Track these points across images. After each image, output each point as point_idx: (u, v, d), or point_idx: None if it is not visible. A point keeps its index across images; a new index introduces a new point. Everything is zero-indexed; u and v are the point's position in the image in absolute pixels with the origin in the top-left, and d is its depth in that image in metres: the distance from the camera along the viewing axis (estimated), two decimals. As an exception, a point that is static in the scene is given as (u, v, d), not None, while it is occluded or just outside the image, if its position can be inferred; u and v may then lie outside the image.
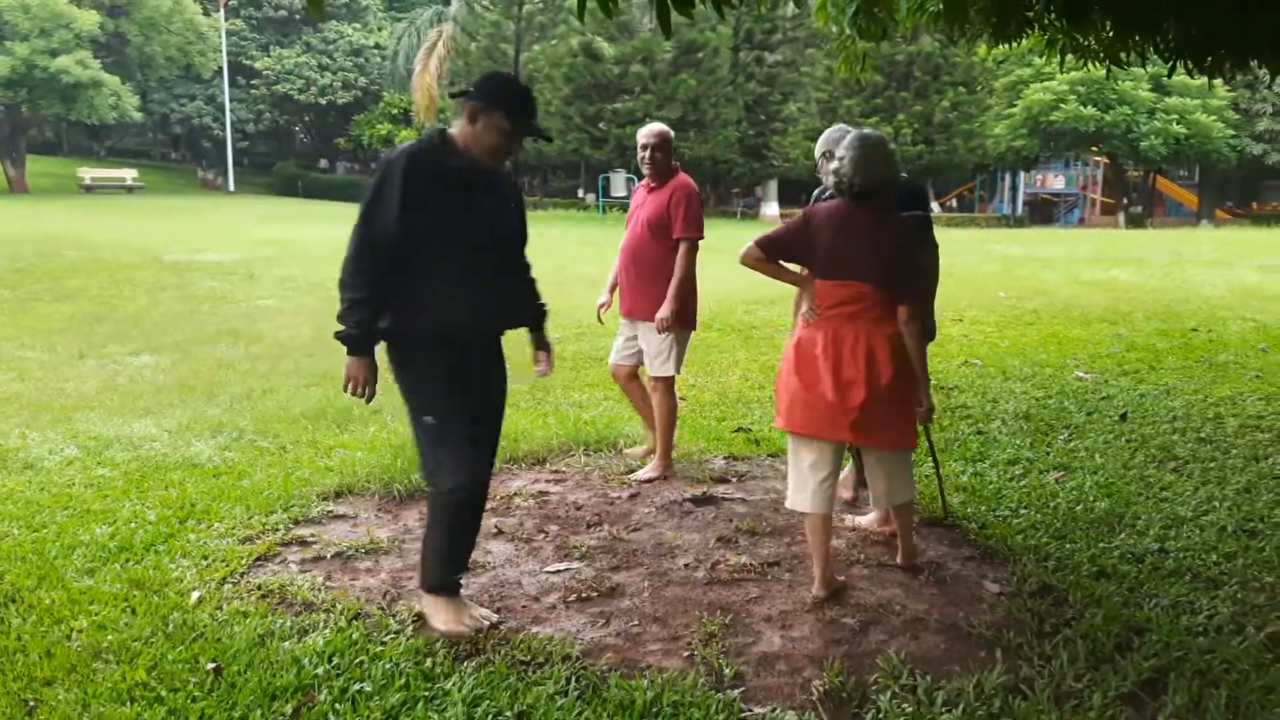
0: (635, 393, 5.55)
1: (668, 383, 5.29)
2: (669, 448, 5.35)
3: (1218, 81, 30.88)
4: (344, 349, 3.36)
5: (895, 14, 5.86)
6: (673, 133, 5.37)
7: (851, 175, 3.72)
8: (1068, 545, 4.32)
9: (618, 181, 35.48)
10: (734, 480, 5.25)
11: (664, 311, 5.09)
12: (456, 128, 3.39)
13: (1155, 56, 5.77)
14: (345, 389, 3.42)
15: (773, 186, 40.35)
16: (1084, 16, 5.11)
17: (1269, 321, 10.32)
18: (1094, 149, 36.88)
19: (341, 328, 3.31)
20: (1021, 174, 40.90)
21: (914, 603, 3.77)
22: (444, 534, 3.51)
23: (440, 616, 3.49)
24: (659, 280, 5.13)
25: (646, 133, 5.26)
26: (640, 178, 5.49)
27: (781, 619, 3.62)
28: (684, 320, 5.22)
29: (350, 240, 3.27)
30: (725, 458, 5.65)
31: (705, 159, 36.28)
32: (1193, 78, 5.99)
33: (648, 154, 5.22)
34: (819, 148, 4.39)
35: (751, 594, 3.83)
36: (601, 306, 5.62)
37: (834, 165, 3.82)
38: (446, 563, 3.54)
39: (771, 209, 40.08)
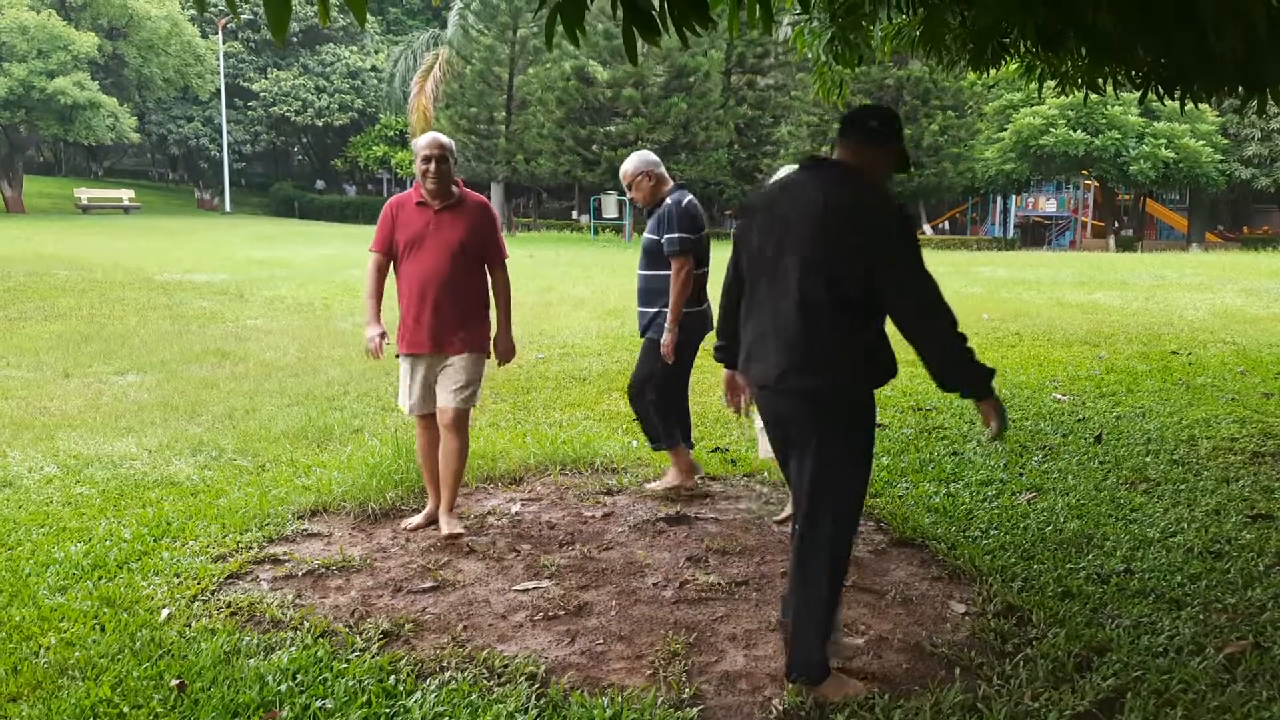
0: (435, 447, 4.79)
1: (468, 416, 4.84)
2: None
3: (1205, 106, 31.17)
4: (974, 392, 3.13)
5: (870, 41, 5.96)
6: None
7: None
8: (1035, 566, 4.35)
9: (609, 203, 35.64)
10: (708, 500, 5.28)
11: (507, 345, 4.87)
12: (860, 161, 3.16)
13: (1127, 84, 5.85)
14: (1001, 434, 3.16)
15: (765, 209, 40.51)
16: (1058, 44, 5.19)
17: (1248, 345, 10.38)
18: (1084, 172, 37.10)
19: (979, 370, 3.07)
20: (1013, 197, 41.12)
21: (878, 622, 3.80)
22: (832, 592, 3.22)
23: (839, 691, 3.20)
24: (479, 309, 4.73)
25: (430, 143, 4.58)
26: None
27: (746, 638, 3.66)
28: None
29: (931, 291, 3.01)
30: (700, 477, 5.68)
31: (697, 181, 36.41)
32: (1164, 104, 6.09)
33: (433, 166, 4.54)
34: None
35: (718, 613, 3.86)
36: (382, 339, 4.75)
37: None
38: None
39: (764, 231, 40.18)
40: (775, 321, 3.14)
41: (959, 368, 3.07)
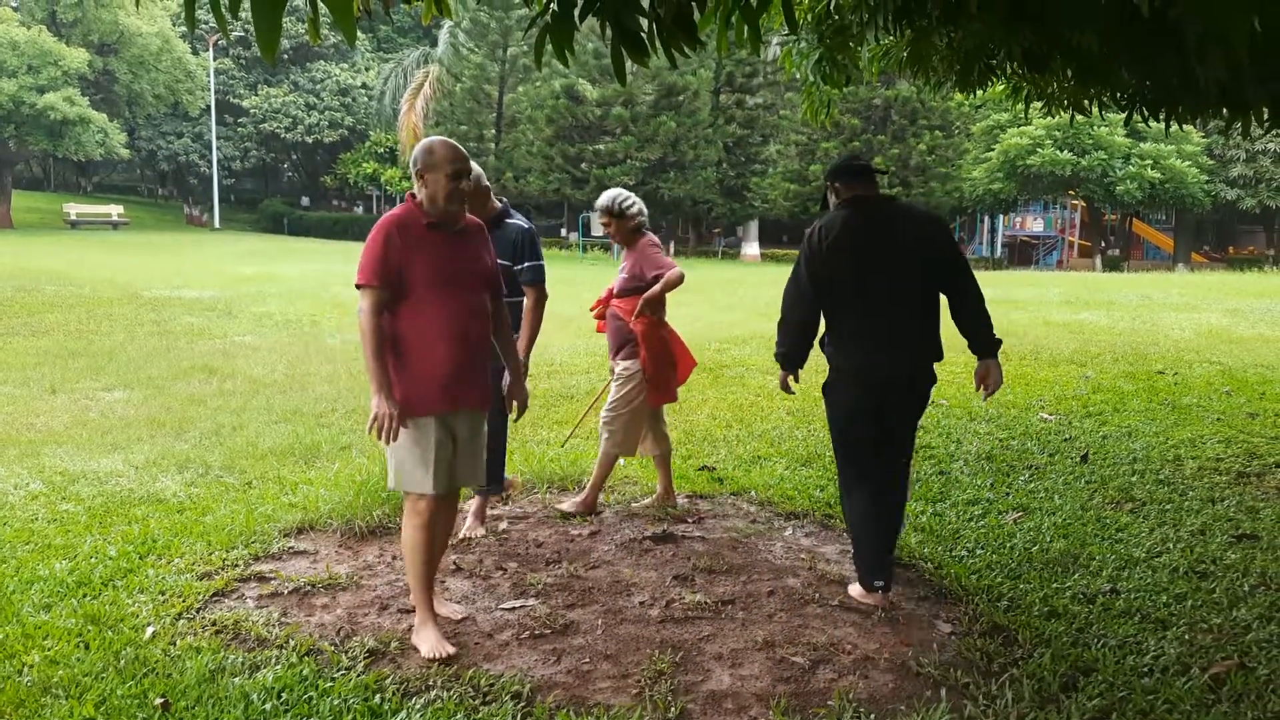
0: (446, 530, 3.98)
1: None
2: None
3: (1190, 128, 31.40)
4: None
5: (858, 61, 6.00)
6: None
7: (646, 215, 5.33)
8: (1021, 585, 4.36)
9: (597, 220, 35.70)
10: (692, 520, 5.28)
11: (525, 392, 4.15)
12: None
13: (1113, 105, 5.91)
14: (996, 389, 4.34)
15: (753, 227, 40.67)
16: (1044, 66, 5.25)
17: (1234, 365, 10.44)
18: (1071, 192, 37.31)
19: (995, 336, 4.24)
20: (1000, 216, 41.34)
21: (865, 641, 3.80)
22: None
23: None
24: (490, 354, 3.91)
25: (463, 155, 3.74)
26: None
27: (732, 657, 3.65)
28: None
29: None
30: (688, 496, 5.69)
31: (685, 199, 36.56)
32: (1149, 125, 6.15)
33: (464, 184, 3.71)
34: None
35: (704, 632, 3.86)
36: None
37: (636, 209, 5.19)
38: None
39: (752, 249, 40.34)
40: (906, 327, 4.14)
41: (992, 331, 4.21)
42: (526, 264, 4.84)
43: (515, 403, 4.09)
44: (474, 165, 4.49)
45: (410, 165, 3.74)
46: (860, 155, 4.20)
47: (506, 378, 4.16)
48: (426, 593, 3.73)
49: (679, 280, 5.13)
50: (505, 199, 5.05)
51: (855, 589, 4.22)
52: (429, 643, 3.62)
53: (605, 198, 5.23)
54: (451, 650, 3.60)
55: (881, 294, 4.10)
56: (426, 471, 3.64)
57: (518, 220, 4.93)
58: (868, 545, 4.16)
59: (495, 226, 4.70)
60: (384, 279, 3.58)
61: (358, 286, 3.61)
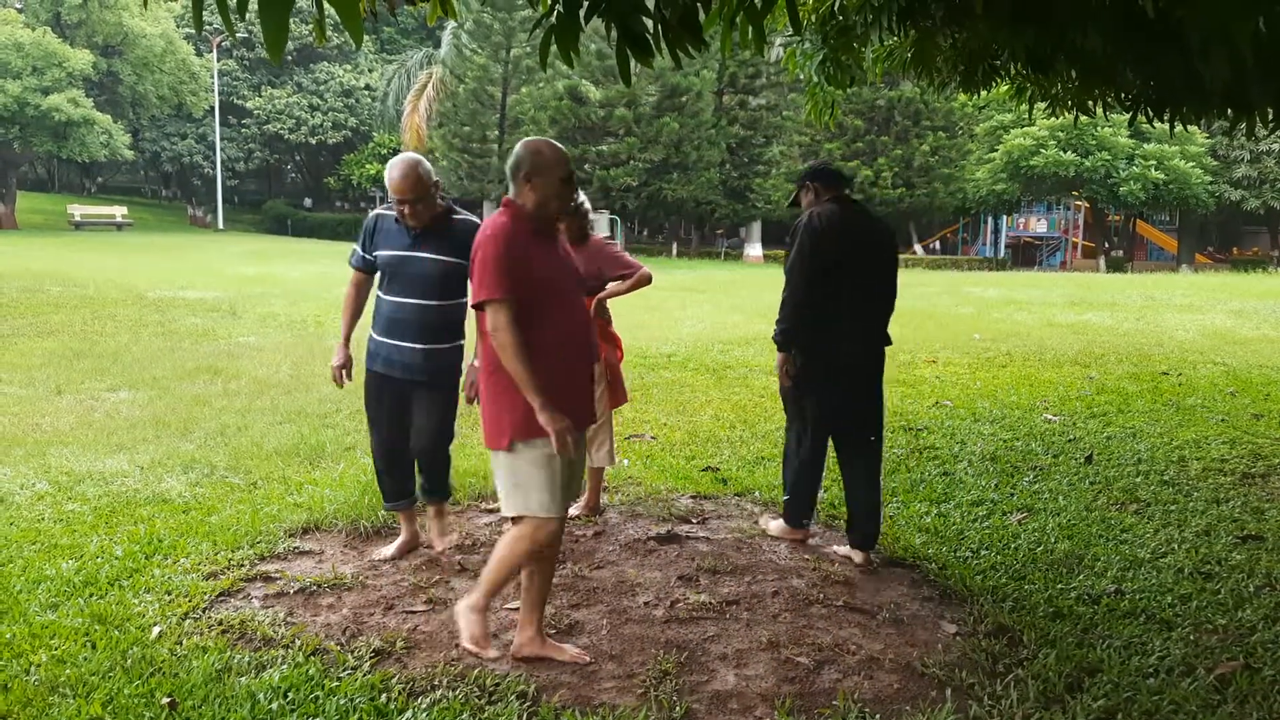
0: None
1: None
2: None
3: (1194, 129, 31.36)
4: None
5: (862, 62, 6.00)
6: None
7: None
8: (1026, 586, 4.37)
9: (601, 222, 35.59)
10: (696, 520, 5.28)
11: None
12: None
13: (1117, 106, 5.91)
14: None
15: (756, 228, 40.66)
16: (1048, 66, 5.25)
17: (1238, 366, 10.44)
18: (1075, 193, 37.31)
19: None
20: (1004, 217, 41.34)
21: (870, 642, 3.81)
22: None
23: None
24: None
25: (567, 155, 3.61)
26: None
27: (737, 657, 3.66)
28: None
29: None
30: (692, 496, 5.69)
31: (688, 200, 36.54)
32: (1153, 126, 6.14)
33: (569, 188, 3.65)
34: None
35: (709, 632, 3.86)
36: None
37: (588, 206, 5.18)
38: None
39: (755, 250, 40.33)
40: (880, 316, 4.67)
41: None
42: None
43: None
44: (425, 160, 4.41)
45: (511, 170, 3.48)
46: (829, 161, 4.39)
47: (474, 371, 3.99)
48: (495, 596, 3.70)
49: (648, 280, 5.06)
50: (446, 195, 4.63)
51: (777, 525, 4.92)
52: (473, 631, 3.59)
53: None
54: (493, 653, 3.57)
55: (869, 291, 4.60)
56: (552, 495, 3.48)
57: (466, 217, 4.54)
58: (806, 491, 4.79)
59: (444, 225, 4.41)
60: (513, 290, 3.35)
61: (480, 305, 3.38)
